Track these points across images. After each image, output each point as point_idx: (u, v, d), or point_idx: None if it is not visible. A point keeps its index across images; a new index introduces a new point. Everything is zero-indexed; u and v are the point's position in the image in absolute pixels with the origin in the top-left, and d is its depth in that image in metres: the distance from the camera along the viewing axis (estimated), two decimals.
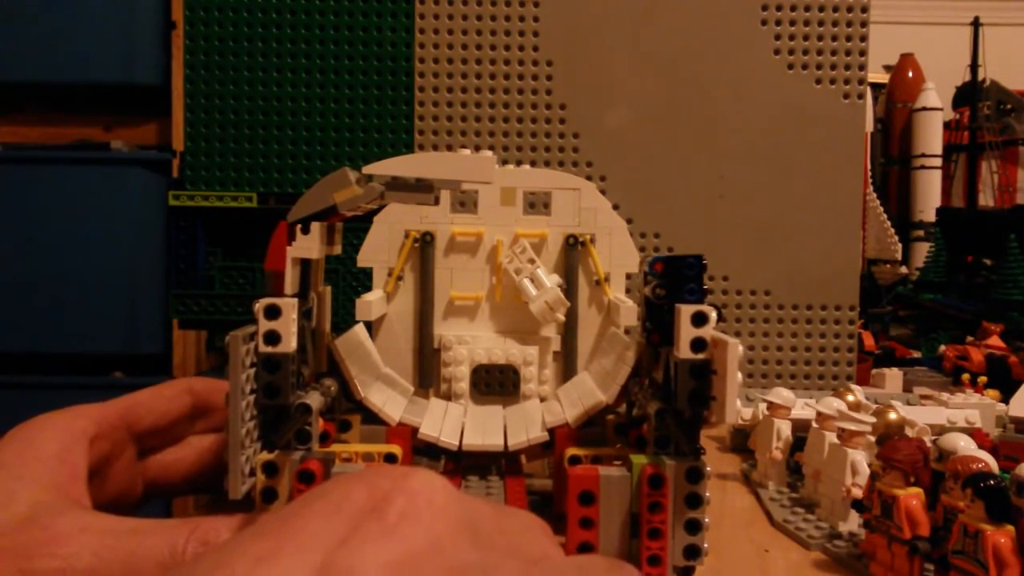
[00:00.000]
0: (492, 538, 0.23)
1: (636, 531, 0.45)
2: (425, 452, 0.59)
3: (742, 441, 0.75)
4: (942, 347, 1.11)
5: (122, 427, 0.47)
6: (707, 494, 0.45)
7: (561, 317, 0.62)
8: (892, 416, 0.63)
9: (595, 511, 0.45)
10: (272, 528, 0.21)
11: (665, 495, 0.44)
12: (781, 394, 0.66)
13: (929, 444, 0.49)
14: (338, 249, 0.53)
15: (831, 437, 0.58)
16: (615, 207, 0.66)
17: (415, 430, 0.56)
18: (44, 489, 0.38)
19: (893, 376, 1.00)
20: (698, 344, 0.44)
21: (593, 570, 0.23)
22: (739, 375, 0.42)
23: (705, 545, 0.45)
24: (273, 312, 0.43)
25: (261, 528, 0.21)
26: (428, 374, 0.63)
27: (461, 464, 0.57)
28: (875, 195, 1.75)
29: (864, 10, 0.93)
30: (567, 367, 0.64)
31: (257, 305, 0.43)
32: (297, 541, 0.20)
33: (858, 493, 0.52)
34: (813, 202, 0.94)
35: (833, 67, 0.93)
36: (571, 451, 0.53)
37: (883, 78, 2.14)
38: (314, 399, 0.46)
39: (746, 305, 0.94)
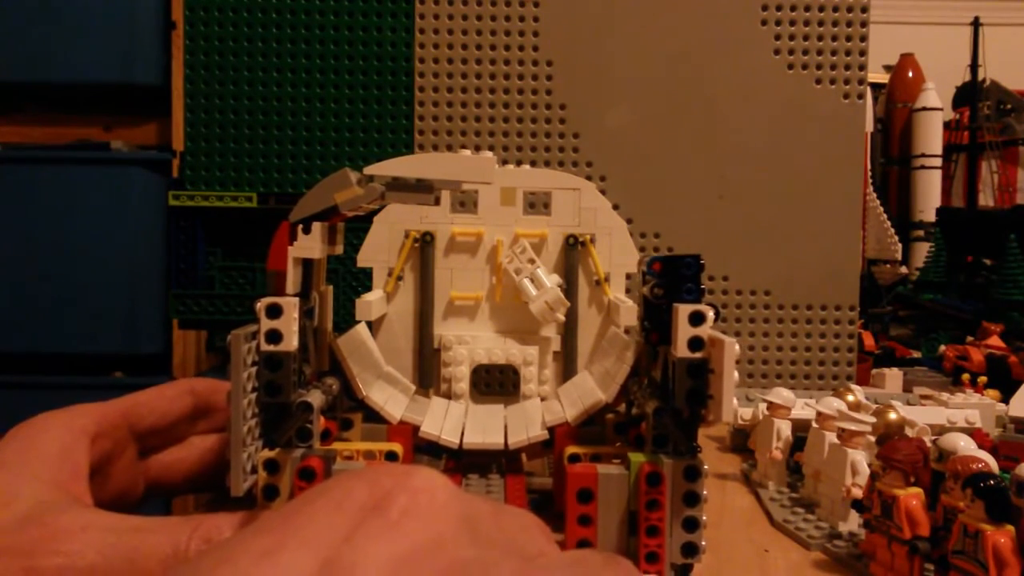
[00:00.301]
0: (491, 535, 0.23)
1: (634, 529, 0.45)
2: (426, 450, 0.59)
3: (742, 441, 0.75)
4: (942, 347, 1.11)
5: (123, 426, 0.47)
6: (704, 492, 0.45)
7: (561, 317, 0.62)
8: (892, 416, 0.63)
9: (593, 508, 0.45)
10: (275, 524, 0.21)
11: (663, 493, 0.44)
12: (781, 394, 0.66)
13: (929, 444, 0.49)
14: (340, 249, 0.53)
15: (831, 437, 0.58)
16: (615, 207, 0.66)
17: (416, 428, 0.56)
18: (46, 487, 0.38)
19: (893, 376, 1.00)
20: (695, 343, 0.44)
21: (588, 565, 0.23)
22: (736, 374, 0.42)
23: (703, 543, 0.45)
24: (275, 311, 0.43)
25: (264, 524, 0.21)
26: (428, 374, 0.63)
27: (462, 462, 0.57)
28: (875, 195, 1.75)
29: (864, 10, 0.93)
30: (567, 367, 0.64)
31: (259, 304, 0.43)
32: (300, 537, 0.20)
33: (858, 493, 0.53)
34: (813, 202, 0.94)
35: (833, 67, 0.93)
36: (570, 449, 0.53)
37: (883, 78, 2.14)
38: (315, 397, 0.46)
39: (746, 305, 0.94)
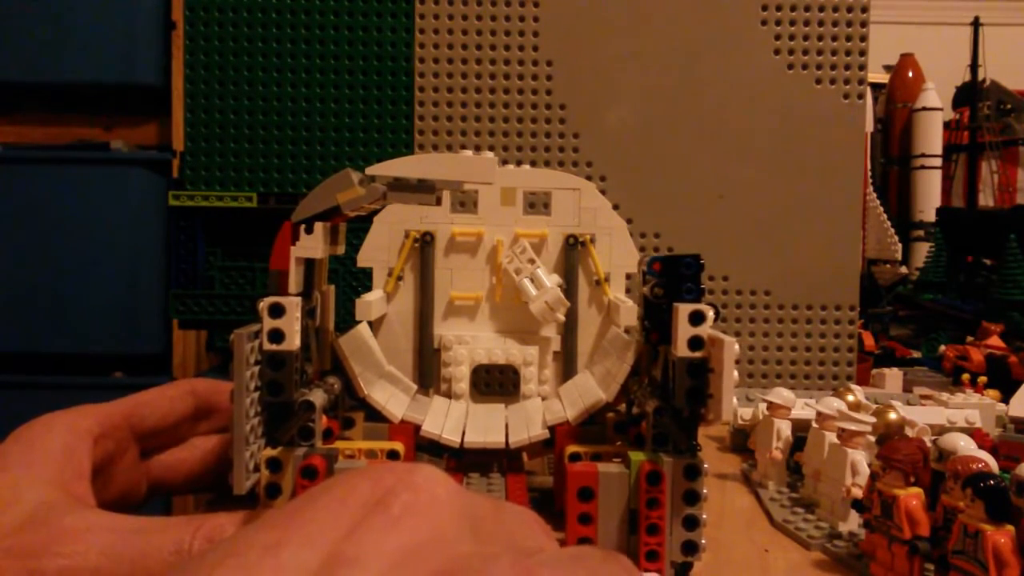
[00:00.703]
0: (491, 531, 0.24)
1: (634, 527, 0.45)
2: (428, 449, 0.59)
3: (742, 441, 0.75)
4: (942, 347, 1.11)
5: (125, 427, 0.47)
6: (704, 491, 0.45)
7: (561, 317, 0.62)
8: (892, 416, 0.63)
9: (594, 507, 0.45)
10: (279, 520, 0.21)
11: (663, 491, 0.44)
12: (781, 394, 0.66)
13: (929, 444, 0.49)
14: (341, 249, 0.53)
15: (831, 437, 0.58)
16: (615, 207, 0.66)
17: (418, 428, 0.56)
18: (49, 488, 0.38)
19: (893, 376, 1.00)
20: (695, 342, 0.44)
21: (587, 561, 0.23)
22: (735, 373, 0.42)
23: (703, 541, 0.45)
24: (277, 311, 0.43)
25: (268, 520, 0.21)
26: (428, 374, 0.63)
27: (463, 461, 0.58)
28: (875, 195, 1.75)
29: (864, 10, 0.93)
30: (567, 367, 0.64)
31: (262, 304, 0.43)
32: (304, 532, 0.20)
33: (858, 493, 0.53)
34: (813, 202, 0.94)
35: (833, 67, 0.94)
36: (571, 448, 0.53)
37: (883, 78, 2.14)
38: (317, 396, 0.46)
39: (746, 305, 0.94)
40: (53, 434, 0.41)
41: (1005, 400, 0.79)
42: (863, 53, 0.94)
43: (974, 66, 2.20)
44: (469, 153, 0.52)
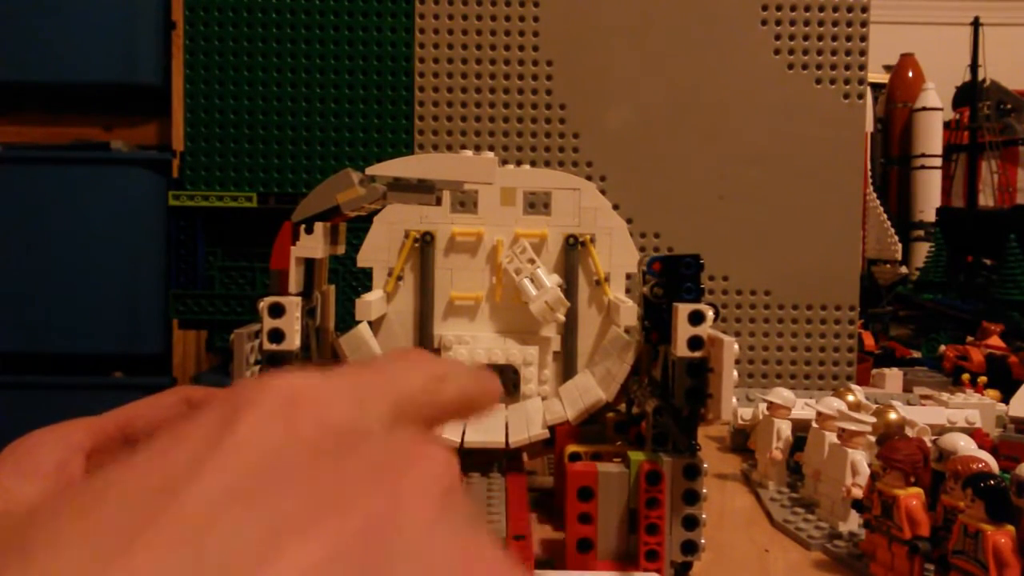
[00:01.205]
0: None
1: (634, 526, 0.45)
2: None
3: (742, 441, 0.75)
4: (942, 347, 1.11)
5: (119, 438, 0.47)
6: (704, 490, 0.45)
7: (561, 317, 0.62)
8: (892, 416, 0.63)
9: (594, 506, 0.45)
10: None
11: (663, 491, 0.44)
12: (781, 394, 0.66)
13: (929, 444, 0.49)
14: (342, 249, 0.53)
15: (831, 437, 0.58)
16: (615, 207, 0.66)
17: None
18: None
19: (893, 376, 1.00)
20: (695, 342, 0.44)
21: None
22: (735, 373, 0.42)
23: (702, 541, 0.45)
24: (277, 310, 0.43)
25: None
26: None
27: (464, 461, 0.58)
28: (875, 195, 1.75)
29: (864, 10, 0.93)
30: (567, 367, 0.64)
31: (262, 303, 0.43)
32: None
33: (858, 493, 0.53)
34: (813, 202, 0.94)
35: (833, 67, 0.93)
36: (571, 448, 0.53)
37: (883, 78, 2.13)
38: None
39: (746, 305, 0.94)
40: (46, 449, 0.41)
41: (1005, 400, 0.79)
42: (863, 53, 0.94)
43: (974, 66, 2.20)
44: (469, 153, 0.52)
